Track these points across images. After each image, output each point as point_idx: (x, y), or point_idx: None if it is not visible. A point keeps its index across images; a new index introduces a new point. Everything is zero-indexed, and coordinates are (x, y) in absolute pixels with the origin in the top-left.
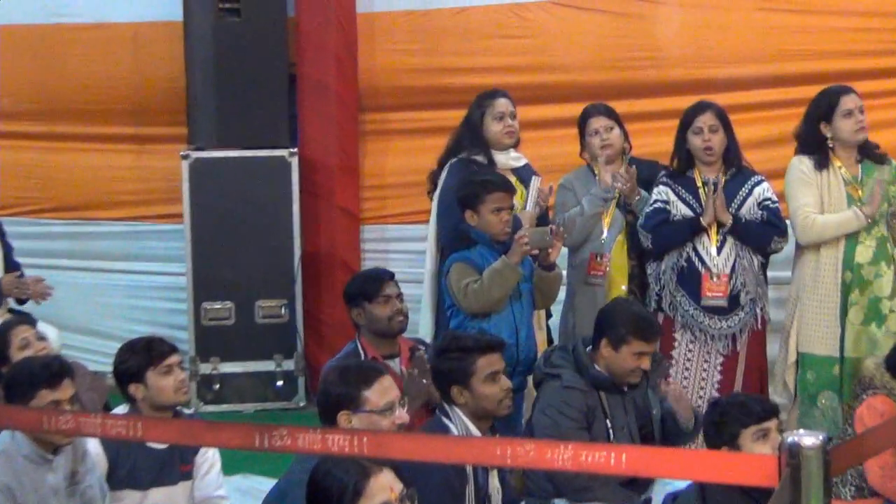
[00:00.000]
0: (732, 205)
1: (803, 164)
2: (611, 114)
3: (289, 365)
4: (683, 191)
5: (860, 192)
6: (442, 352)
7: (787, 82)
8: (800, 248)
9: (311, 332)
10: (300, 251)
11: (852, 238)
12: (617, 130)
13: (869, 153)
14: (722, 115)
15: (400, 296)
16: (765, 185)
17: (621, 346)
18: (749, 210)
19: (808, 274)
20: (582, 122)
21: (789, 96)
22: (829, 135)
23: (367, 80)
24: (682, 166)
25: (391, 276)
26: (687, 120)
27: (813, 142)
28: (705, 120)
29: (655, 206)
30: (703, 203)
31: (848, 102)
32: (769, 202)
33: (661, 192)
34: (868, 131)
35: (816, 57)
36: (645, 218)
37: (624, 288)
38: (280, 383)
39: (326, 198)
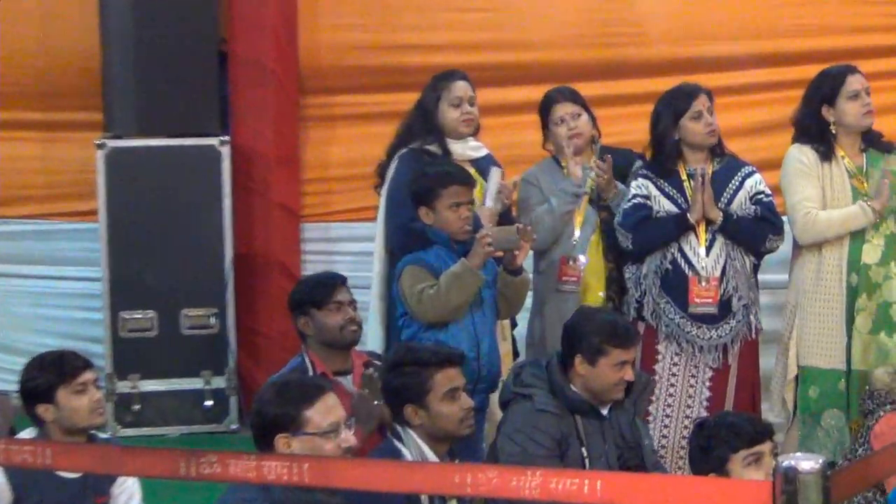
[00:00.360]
0: (722, 199)
1: (803, 153)
2: (576, 98)
3: (219, 383)
4: (666, 184)
5: (865, 184)
6: (394, 367)
7: (784, 61)
8: (799, 249)
9: (244, 346)
10: (232, 253)
11: (858, 236)
12: (585, 117)
13: (874, 141)
14: (712, 97)
15: (353, 303)
16: (757, 176)
17: (598, 359)
18: (740, 205)
19: (809, 277)
20: (544, 110)
21: (786, 77)
22: (831, 119)
23: (308, 58)
24: (667, 161)
25: (343, 280)
26: (680, 106)
27: (814, 128)
28: (703, 103)
29: (635, 201)
30: (690, 198)
31: (854, 83)
32: (762, 196)
33: (641, 186)
34: (874, 114)
35: (817, 33)
36: (623, 215)
37: (602, 295)
38: (209, 403)
39: (262, 192)
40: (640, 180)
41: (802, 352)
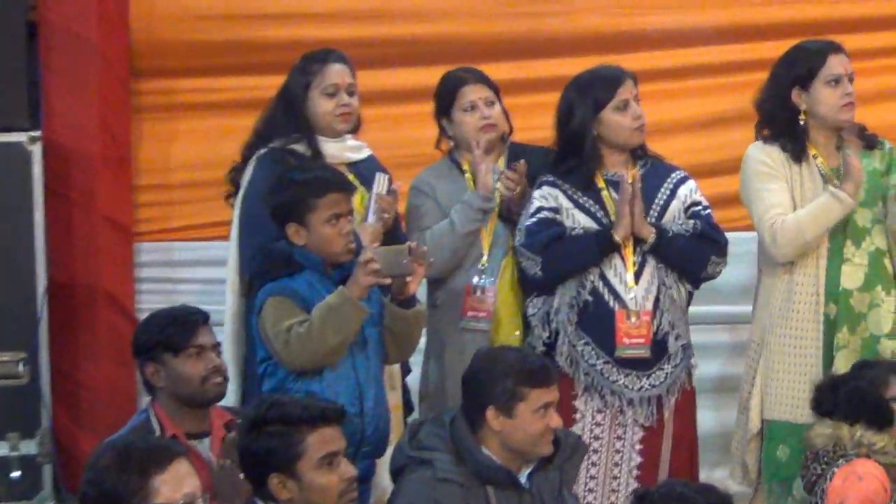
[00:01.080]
0: (651, 212)
1: (766, 153)
2: (489, 83)
3: (29, 447)
4: (580, 194)
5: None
6: (255, 426)
7: (749, 36)
8: (764, 273)
9: (63, 400)
10: (46, 281)
11: (836, 256)
12: (499, 106)
13: (855, 136)
14: (636, 83)
15: (217, 347)
16: (691, 183)
17: (515, 407)
18: (673, 219)
19: (777, 307)
20: (447, 95)
21: (751, 56)
22: (802, 106)
23: (142, 31)
24: (586, 163)
25: (205, 318)
26: (601, 95)
27: (780, 116)
28: (630, 90)
29: (540, 216)
30: (613, 210)
31: (836, 65)
32: (699, 207)
33: (547, 197)
34: (855, 107)
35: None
36: (527, 234)
37: (518, 334)
38: (16, 474)
39: (84, 203)
40: (546, 189)
41: (769, 402)
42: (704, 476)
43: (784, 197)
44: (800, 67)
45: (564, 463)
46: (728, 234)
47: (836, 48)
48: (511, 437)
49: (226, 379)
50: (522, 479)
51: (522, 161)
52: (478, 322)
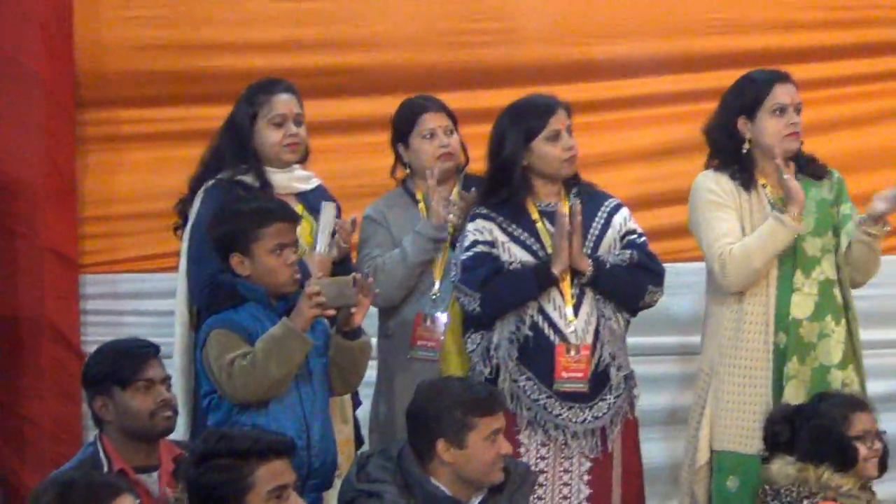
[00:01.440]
0: (587, 241)
1: (715, 181)
2: (449, 112)
3: None
4: (515, 226)
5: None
6: (203, 459)
7: (698, 65)
8: (713, 303)
9: (6, 434)
10: None
11: (786, 285)
12: (457, 136)
13: (804, 166)
14: (571, 112)
15: (167, 380)
16: (624, 211)
17: (466, 437)
18: (609, 248)
19: (726, 337)
20: (406, 120)
21: (699, 85)
22: (747, 135)
23: (87, 60)
24: (515, 195)
25: (156, 350)
26: (533, 124)
27: (726, 144)
28: (562, 120)
29: (476, 250)
30: (549, 242)
31: (782, 95)
32: (634, 236)
33: (482, 230)
34: (802, 138)
35: (739, 29)
36: (463, 269)
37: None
38: None
39: (28, 234)
40: (481, 222)
41: (718, 433)
42: None
43: (733, 226)
44: (746, 96)
45: (514, 495)
46: (679, 265)
47: (783, 78)
48: (464, 468)
49: (175, 413)
50: None
51: (473, 190)
52: (427, 351)
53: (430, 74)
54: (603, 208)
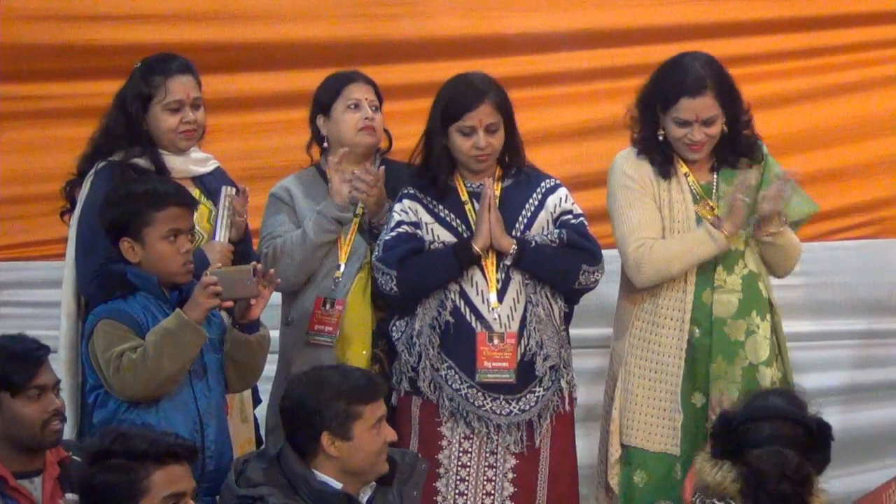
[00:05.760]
0: (517, 224)
1: (634, 166)
2: (377, 90)
3: None
4: (441, 207)
5: (716, 209)
6: (97, 459)
7: (615, 41)
8: (626, 291)
9: None
10: None
11: (706, 282)
12: (381, 116)
13: (731, 159)
14: (503, 106)
15: (57, 385)
16: (562, 191)
17: (352, 428)
18: (542, 229)
19: (639, 329)
20: (330, 90)
21: (616, 62)
22: (662, 128)
23: None
24: (438, 174)
25: (46, 352)
26: (451, 112)
27: (646, 129)
28: (481, 117)
29: (399, 230)
30: (474, 223)
31: (684, 110)
32: (569, 216)
33: (408, 210)
34: (704, 148)
35: (658, 3)
36: (384, 249)
37: (365, 354)
38: None
39: None
40: (407, 202)
41: (626, 427)
42: None
43: (649, 216)
44: (659, 92)
45: (404, 485)
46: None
47: (696, 91)
48: (350, 461)
49: (65, 421)
50: (364, 499)
51: (382, 168)
52: (322, 336)
53: (336, 49)
54: (538, 189)
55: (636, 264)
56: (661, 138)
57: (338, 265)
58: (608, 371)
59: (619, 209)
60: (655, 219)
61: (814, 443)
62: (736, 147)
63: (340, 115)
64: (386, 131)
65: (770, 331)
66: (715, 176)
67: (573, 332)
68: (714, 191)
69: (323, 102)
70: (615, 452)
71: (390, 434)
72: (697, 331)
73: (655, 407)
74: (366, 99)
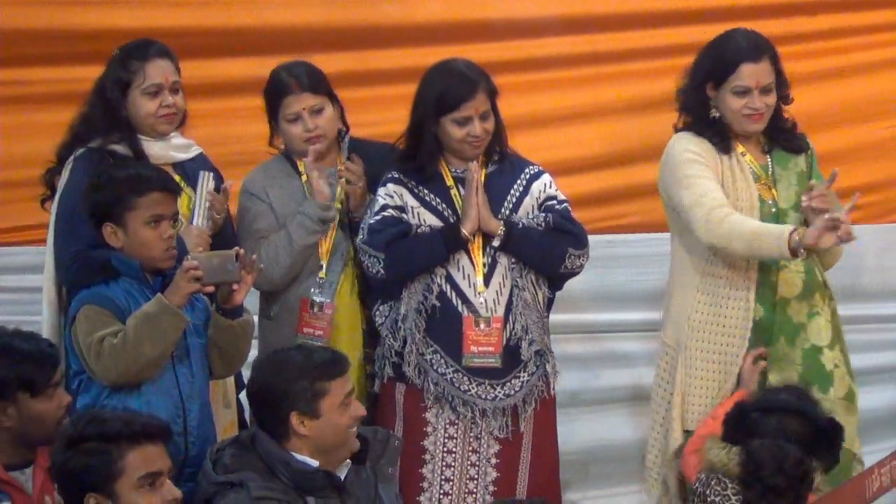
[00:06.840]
0: (503, 209)
1: (693, 143)
2: (317, 86)
3: None
4: (427, 191)
5: (774, 191)
6: (72, 443)
7: (599, 27)
8: (681, 274)
9: None
10: None
11: (770, 263)
12: (328, 111)
13: (788, 141)
14: (493, 91)
15: (62, 380)
16: (546, 178)
17: (320, 405)
18: (527, 214)
19: (701, 312)
20: (272, 99)
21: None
22: (713, 103)
23: None
24: (426, 160)
25: (57, 350)
26: (447, 103)
27: (695, 106)
28: (476, 106)
29: (385, 214)
30: (460, 207)
31: (747, 77)
32: (554, 201)
33: (393, 194)
34: (764, 117)
35: None
36: (370, 232)
37: (358, 355)
38: None
39: None
40: (392, 187)
41: (689, 413)
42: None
43: (716, 186)
44: (717, 63)
45: (378, 460)
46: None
47: (756, 55)
48: (321, 438)
49: (69, 413)
50: (341, 476)
51: (355, 157)
52: (314, 339)
53: (318, 35)
54: (523, 175)
55: (706, 223)
56: (716, 116)
57: (320, 265)
58: (662, 354)
59: (684, 177)
60: (719, 189)
61: (820, 441)
62: (783, 128)
63: (285, 129)
64: (341, 110)
65: (831, 314)
66: (769, 158)
67: (555, 317)
68: (769, 170)
69: (270, 107)
70: (676, 441)
71: (359, 409)
72: (761, 309)
73: (721, 388)
74: (304, 108)
